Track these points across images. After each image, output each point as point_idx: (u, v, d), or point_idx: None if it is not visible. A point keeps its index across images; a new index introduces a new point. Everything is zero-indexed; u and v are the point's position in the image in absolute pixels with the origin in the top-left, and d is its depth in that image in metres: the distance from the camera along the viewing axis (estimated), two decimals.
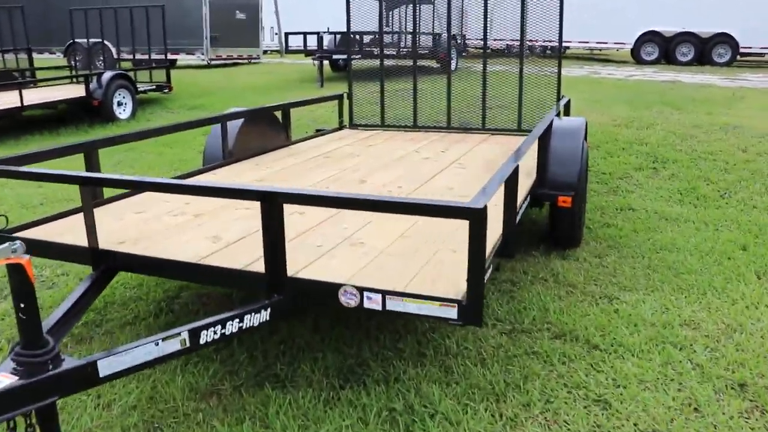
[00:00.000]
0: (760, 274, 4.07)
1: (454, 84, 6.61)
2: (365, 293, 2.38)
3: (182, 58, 18.33)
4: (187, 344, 2.28)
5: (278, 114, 5.61)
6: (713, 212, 5.20)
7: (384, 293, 2.36)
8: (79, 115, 10.30)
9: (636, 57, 18.51)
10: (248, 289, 3.14)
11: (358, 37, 10.33)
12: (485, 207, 2.12)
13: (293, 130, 9.04)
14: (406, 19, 10.29)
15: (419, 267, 2.62)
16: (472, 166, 4.69)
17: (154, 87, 11.90)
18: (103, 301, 3.84)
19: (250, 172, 4.45)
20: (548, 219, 4.46)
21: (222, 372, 3.07)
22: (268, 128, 5.47)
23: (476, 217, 2.11)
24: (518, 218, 3.43)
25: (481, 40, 7.68)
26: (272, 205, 2.39)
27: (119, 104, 10.65)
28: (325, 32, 12.41)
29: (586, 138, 4.88)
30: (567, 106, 6.16)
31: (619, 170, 6.25)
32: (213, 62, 18.08)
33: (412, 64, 6.70)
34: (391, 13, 10.40)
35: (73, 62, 15.09)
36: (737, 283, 3.92)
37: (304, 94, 11.93)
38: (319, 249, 2.87)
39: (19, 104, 8.53)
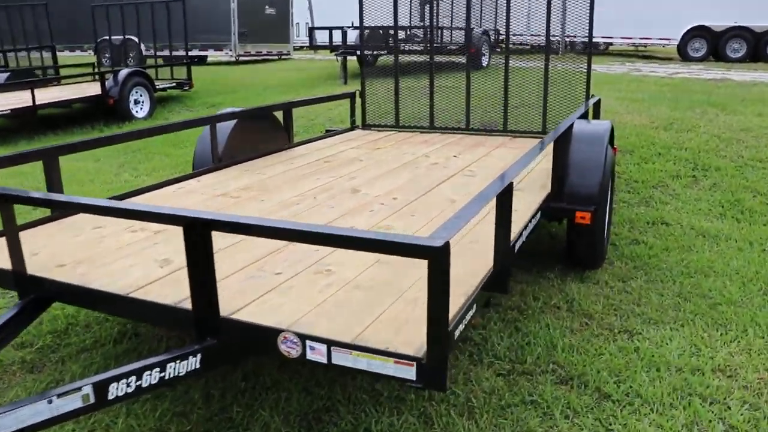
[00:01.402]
0: None
1: (480, 81, 6.11)
2: (308, 342, 1.95)
3: (210, 55, 18.18)
4: (91, 400, 1.88)
5: (280, 114, 5.23)
6: (760, 229, 4.59)
7: (330, 343, 1.92)
8: (96, 114, 10.12)
9: (682, 53, 17.55)
10: (180, 329, 2.74)
11: (381, 31, 9.91)
12: (447, 245, 1.66)
13: (307, 130, 8.71)
14: (433, 12, 9.81)
15: (386, 306, 2.17)
16: (483, 175, 4.22)
17: (174, 84, 11.69)
18: (66, 322, 3.50)
19: (235, 180, 4.07)
20: (566, 236, 3.94)
21: (171, 413, 2.68)
22: (266, 130, 5.09)
23: (436, 257, 1.66)
24: (521, 241, 2.95)
25: (515, 35, 7.20)
26: (198, 233, 1.97)
27: (136, 102, 10.44)
28: (349, 27, 11.99)
29: (612, 143, 4.34)
30: (597, 106, 5.60)
31: (653, 178, 5.66)
32: (241, 58, 17.87)
33: (430, 60, 6.22)
34: (416, 6, 9.91)
35: (103, 59, 15.04)
36: None
37: (327, 91, 11.54)
38: (277, 278, 2.45)
39: (30, 103, 8.34)
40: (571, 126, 3.87)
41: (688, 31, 17.26)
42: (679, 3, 16.98)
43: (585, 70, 5.51)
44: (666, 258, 4.16)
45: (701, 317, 3.39)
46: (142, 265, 2.61)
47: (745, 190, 5.31)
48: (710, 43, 17.14)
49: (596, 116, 5.58)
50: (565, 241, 4.00)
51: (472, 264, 2.57)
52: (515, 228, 2.89)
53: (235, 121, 4.63)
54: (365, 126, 6.29)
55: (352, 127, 6.24)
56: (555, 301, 3.62)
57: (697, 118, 7.25)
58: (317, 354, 1.93)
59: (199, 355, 2.08)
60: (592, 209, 3.62)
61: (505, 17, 5.84)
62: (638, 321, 3.37)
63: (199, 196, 3.72)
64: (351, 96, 6.19)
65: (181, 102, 11.98)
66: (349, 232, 1.74)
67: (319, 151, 5.06)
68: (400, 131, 6.16)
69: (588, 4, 5.33)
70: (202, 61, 19.02)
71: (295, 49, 20.90)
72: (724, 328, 3.29)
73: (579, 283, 3.83)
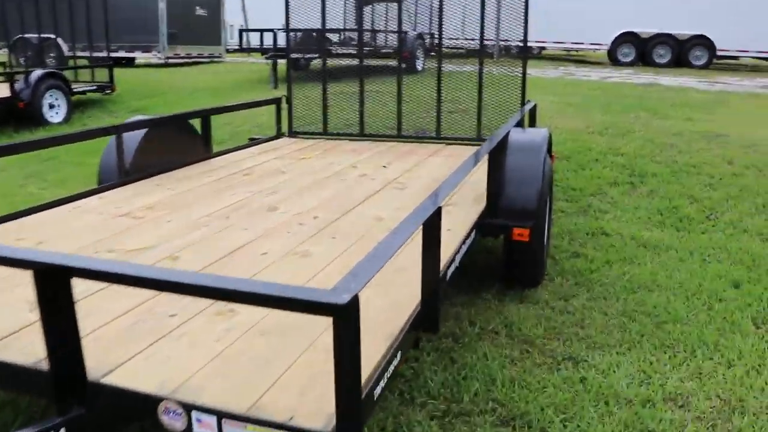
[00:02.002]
0: (758, 322, 3.32)
1: (414, 86, 5.84)
2: (194, 413, 1.57)
3: (138, 56, 17.33)
4: None
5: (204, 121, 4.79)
6: (699, 238, 4.46)
7: (220, 415, 1.55)
8: (7, 119, 9.34)
9: (612, 58, 17.90)
10: (42, 395, 2.31)
11: (315, 34, 9.52)
12: (355, 301, 1.33)
13: (233, 137, 8.23)
14: (367, 15, 9.51)
15: (293, 358, 1.82)
16: (414, 187, 3.92)
17: (94, 87, 10.97)
18: None
19: (143, 196, 3.63)
20: (503, 253, 3.68)
21: None
22: (180, 139, 4.63)
23: (341, 316, 1.32)
24: (454, 268, 2.66)
25: (449, 39, 6.96)
26: (53, 281, 1.57)
27: (51, 107, 9.71)
28: (280, 29, 11.55)
29: (550, 152, 4.12)
30: (533, 111, 5.40)
31: (591, 185, 5.50)
32: (171, 61, 17.10)
33: (359, 64, 5.90)
34: (351, 8, 9.59)
35: (20, 59, 14.06)
36: (732, 336, 3.17)
37: (258, 95, 11.06)
38: (169, 322, 2.06)
39: None
40: (507, 135, 3.62)
41: (617, 36, 17.61)
42: (609, 10, 17.29)
43: (520, 75, 5.31)
44: (608, 272, 3.95)
45: (648, 338, 3.18)
46: (6, 309, 2.17)
47: (681, 197, 5.20)
48: (638, 49, 17.53)
49: (532, 122, 5.39)
50: (502, 255, 3.74)
51: (397, 297, 2.25)
52: (446, 254, 2.59)
53: (144, 130, 4.18)
54: (292, 134, 5.91)
55: (278, 135, 5.86)
56: (493, 325, 3.34)
57: (631, 123, 7.20)
58: (205, 427, 1.56)
59: (63, 430, 1.67)
60: (531, 225, 3.36)
61: (438, 20, 5.60)
62: (582, 346, 3.12)
63: (96, 217, 3.27)
64: (277, 102, 5.80)
65: (102, 106, 11.27)
66: (231, 283, 1.38)
67: (240, 162, 4.66)
68: (328, 139, 5.81)
69: (523, 8, 5.14)
70: (129, 62, 18.13)
71: (228, 51, 20.21)
72: (672, 349, 3.08)
73: (518, 304, 3.57)
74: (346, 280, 1.43)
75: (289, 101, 5.91)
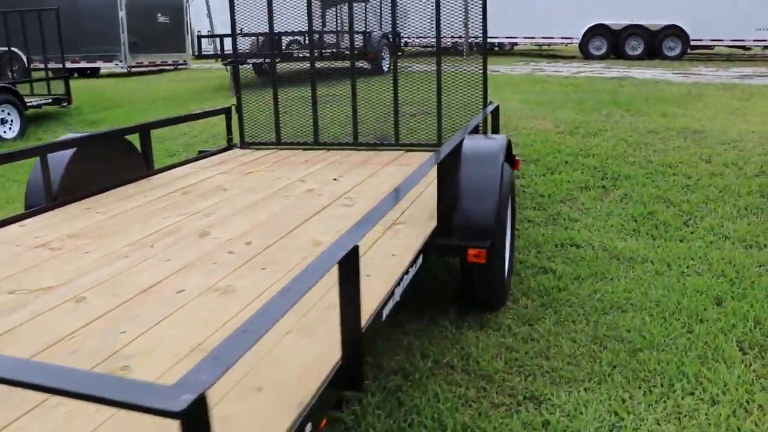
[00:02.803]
0: (744, 347, 2.96)
1: (377, 89, 5.44)
2: None
3: (101, 66, 16.78)
4: None
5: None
6: (676, 247, 4.10)
7: None
8: None
9: (584, 52, 17.62)
10: None
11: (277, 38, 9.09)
12: (200, 402, 0.93)
13: (187, 149, 7.79)
14: (338, 16, 9.13)
15: None
16: (363, 202, 3.53)
17: (50, 101, 10.49)
18: None
19: (70, 222, 3.27)
20: (460, 274, 3.29)
21: None
22: (116, 157, 4.23)
23: (185, 421, 0.92)
24: (392, 305, 2.27)
25: (412, 38, 6.60)
26: None
27: (3, 122, 9.24)
28: (238, 34, 11.10)
29: (511, 160, 3.74)
30: (496, 113, 5.03)
31: (560, 191, 5.14)
32: (134, 69, 16.56)
33: (311, 67, 5.50)
34: (317, 8, 9.16)
35: None
36: (715, 365, 2.80)
37: (220, 103, 10.61)
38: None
39: None
40: (460, 145, 3.23)
41: (588, 29, 17.35)
42: (579, 2, 17.03)
43: (481, 74, 4.94)
44: (577, 290, 3.58)
45: (620, 370, 2.80)
46: None
47: (657, 201, 4.85)
48: (610, 42, 17.29)
49: (495, 125, 5.01)
50: (460, 277, 3.35)
51: (320, 348, 1.88)
52: (385, 287, 2.23)
53: (72, 150, 3.78)
54: (244, 145, 5.50)
55: (229, 147, 5.44)
56: (448, 358, 2.95)
57: (603, 121, 6.85)
58: None
59: None
60: (488, 245, 2.97)
61: (405, 20, 5.23)
62: (546, 381, 2.74)
63: (11, 249, 2.89)
64: (226, 111, 5.40)
65: (59, 120, 10.76)
66: (50, 377, 0.98)
67: (181, 180, 4.26)
68: (282, 149, 5.42)
69: (481, 3, 4.77)
70: (94, 73, 17.54)
71: (196, 57, 19.69)
72: (648, 383, 2.71)
73: (477, 331, 3.18)
74: (197, 371, 1.03)
75: (239, 110, 5.51)
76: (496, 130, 5.01)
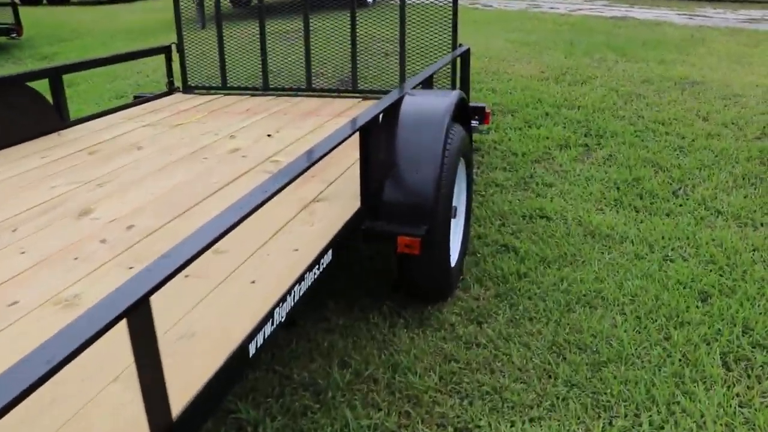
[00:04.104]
0: (728, 361, 2.43)
1: (327, 26, 4.74)
2: None
3: None
4: None
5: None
6: (662, 223, 3.53)
7: None
8: None
9: None
10: None
11: None
12: None
13: (143, 88, 7.08)
14: None
15: None
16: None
17: None
18: None
19: None
20: (393, 263, 2.73)
21: None
22: (19, 108, 3.60)
23: None
24: (265, 336, 1.74)
25: None
26: None
27: None
28: None
29: (467, 120, 3.12)
30: (465, 59, 4.35)
31: (537, 149, 4.52)
32: None
33: None
34: None
35: None
36: (693, 387, 2.28)
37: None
38: None
39: None
40: (396, 104, 2.62)
41: None
42: None
43: (450, 8, 4.25)
44: (541, 277, 3.03)
45: (578, 392, 2.29)
46: None
47: (645, 164, 4.25)
48: None
49: (465, 72, 4.35)
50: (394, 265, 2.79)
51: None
52: (261, 307, 1.72)
53: None
54: (186, 89, 4.87)
55: (170, 92, 4.81)
56: (372, 368, 2.43)
57: (593, 67, 6.16)
58: None
59: None
60: (423, 232, 2.40)
61: None
62: (486, 406, 2.23)
63: None
64: (166, 51, 4.73)
65: (7, 52, 9.96)
66: None
67: (97, 134, 3.71)
68: (228, 94, 4.79)
69: None
70: (63, 0, 16.46)
71: None
72: (609, 412, 2.19)
73: (414, 331, 2.65)
74: None
75: (180, 50, 4.85)
76: (466, 78, 4.36)
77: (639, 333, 2.60)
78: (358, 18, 4.50)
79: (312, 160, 1.91)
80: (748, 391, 2.26)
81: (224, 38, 4.81)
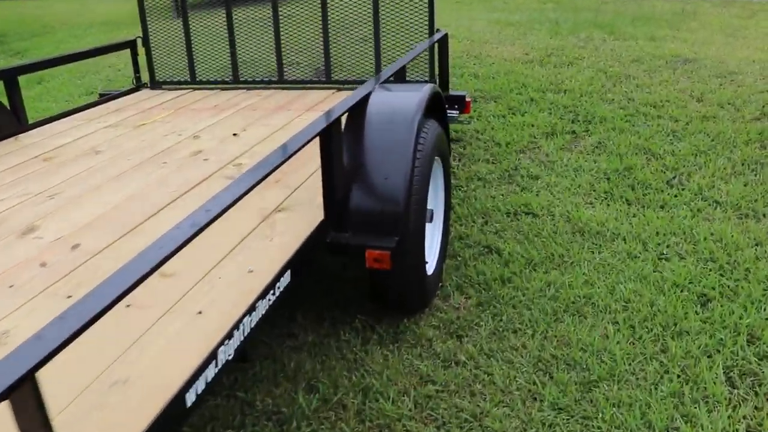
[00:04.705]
0: (733, 377, 2.21)
1: (337, 8, 4.44)
2: None
3: None
4: None
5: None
6: (656, 217, 3.30)
7: None
8: None
9: None
10: None
11: None
12: None
13: (112, 84, 6.78)
14: None
15: None
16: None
17: None
18: None
19: None
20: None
21: None
22: None
23: None
24: (207, 381, 1.52)
25: None
26: None
27: None
28: None
29: (442, 116, 2.87)
30: (442, 45, 4.08)
31: (521, 137, 4.28)
32: None
33: None
34: None
35: None
36: (693, 410, 2.06)
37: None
38: None
39: None
40: (363, 101, 2.37)
41: None
42: None
43: None
44: (527, 282, 2.80)
45: (566, 417, 2.06)
46: None
47: (636, 152, 4.01)
48: None
49: (443, 59, 4.08)
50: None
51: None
52: (204, 346, 1.50)
53: None
54: (154, 84, 4.61)
55: (137, 88, 4.55)
56: (341, 393, 2.20)
57: (580, 47, 5.90)
58: None
59: None
60: (393, 245, 2.16)
61: None
62: None
63: None
64: (131, 45, 4.49)
65: None
66: None
67: (55, 138, 3.57)
68: (197, 88, 4.55)
69: None
70: None
71: None
72: None
73: (388, 348, 2.42)
74: None
75: (146, 43, 4.58)
76: (444, 66, 4.09)
77: (633, 345, 2.37)
78: (330, 2, 4.22)
79: (266, 171, 1.71)
80: (756, 412, 2.04)
81: (195, 29, 4.55)
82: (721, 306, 2.56)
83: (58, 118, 3.87)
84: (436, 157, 2.65)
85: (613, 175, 3.75)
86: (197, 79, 4.59)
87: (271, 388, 2.27)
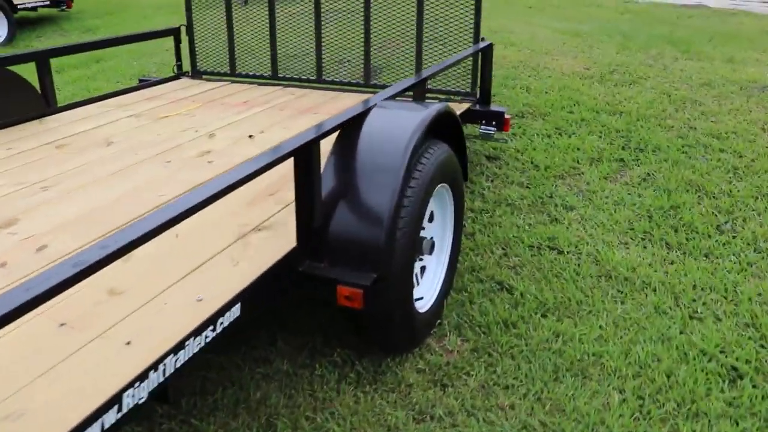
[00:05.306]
0: None
1: (386, 6, 4.25)
2: None
3: None
4: None
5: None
6: (696, 267, 2.93)
7: None
8: None
9: None
10: None
11: None
12: None
13: (161, 69, 6.80)
14: None
15: None
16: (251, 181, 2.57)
17: (47, 2, 9.64)
18: None
19: None
20: None
21: None
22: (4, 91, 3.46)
23: None
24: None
25: None
26: None
27: None
28: None
29: (459, 138, 2.61)
30: (487, 56, 3.80)
31: (564, 161, 3.95)
32: None
33: None
34: None
35: None
36: None
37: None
38: None
39: None
40: (359, 119, 2.16)
41: None
42: None
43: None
44: (533, 330, 2.51)
45: None
46: None
47: (688, 189, 3.62)
48: None
49: (486, 71, 3.80)
50: None
51: None
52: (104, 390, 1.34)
53: None
54: (195, 74, 4.59)
55: (177, 76, 4.54)
56: None
57: (648, 65, 5.46)
58: None
59: None
60: (368, 282, 1.94)
61: None
62: None
63: None
64: (174, 32, 4.48)
65: (56, 24, 9.92)
66: None
67: (78, 123, 3.50)
68: (236, 81, 4.49)
69: None
70: None
71: None
72: None
73: (363, 389, 2.20)
74: None
75: (189, 31, 4.57)
76: (487, 78, 3.81)
77: (636, 421, 2.06)
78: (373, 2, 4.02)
79: (222, 187, 1.56)
80: None
81: (242, 21, 4.47)
82: (754, 386, 2.21)
83: (90, 102, 3.87)
84: (442, 184, 2.40)
85: (656, 213, 3.38)
86: (237, 72, 4.51)
87: (229, 419, 2.10)
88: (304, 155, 1.90)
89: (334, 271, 1.98)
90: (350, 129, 2.15)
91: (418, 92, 2.79)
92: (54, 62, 3.69)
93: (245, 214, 2.29)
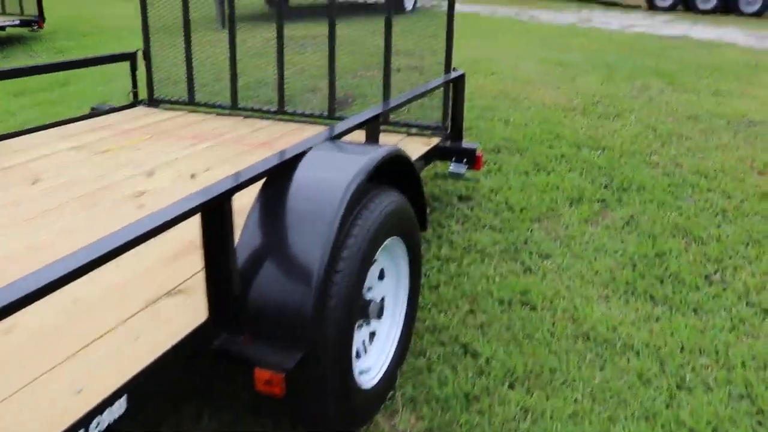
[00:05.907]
0: None
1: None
2: None
3: None
4: None
5: None
6: (683, 325, 2.63)
7: None
8: None
9: (650, 2, 15.36)
10: None
11: None
12: None
13: (125, 93, 6.50)
14: None
15: None
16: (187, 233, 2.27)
17: (17, 22, 9.38)
18: None
19: None
20: None
21: None
22: None
23: None
24: None
25: None
26: None
27: None
28: None
29: (415, 184, 2.31)
30: (457, 86, 3.53)
31: (541, 202, 3.66)
32: None
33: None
34: None
35: None
36: None
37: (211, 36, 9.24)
38: None
39: None
40: (289, 165, 1.87)
41: None
42: None
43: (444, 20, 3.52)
44: (498, 405, 2.18)
45: None
46: None
47: (674, 233, 3.34)
48: None
49: (457, 102, 3.54)
50: None
51: None
52: None
53: None
54: (152, 102, 4.30)
55: (133, 104, 4.25)
56: None
57: (632, 97, 5.23)
58: None
59: None
60: (290, 366, 1.62)
61: None
62: None
63: None
64: (131, 57, 4.19)
65: (26, 45, 9.64)
66: None
67: (11, 156, 3.15)
68: (194, 111, 4.20)
69: None
70: None
71: None
72: None
73: None
74: None
75: (146, 56, 4.29)
76: (459, 110, 3.55)
77: None
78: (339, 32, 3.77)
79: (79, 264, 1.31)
80: None
81: (205, 46, 4.22)
82: None
83: (30, 132, 3.57)
84: (392, 237, 2.10)
85: (640, 261, 3.09)
86: (195, 101, 4.24)
87: None
88: (216, 212, 1.60)
89: (252, 349, 1.66)
90: (277, 177, 1.85)
91: (371, 129, 2.50)
92: (16, 85, 3.40)
93: (162, 271, 1.97)
